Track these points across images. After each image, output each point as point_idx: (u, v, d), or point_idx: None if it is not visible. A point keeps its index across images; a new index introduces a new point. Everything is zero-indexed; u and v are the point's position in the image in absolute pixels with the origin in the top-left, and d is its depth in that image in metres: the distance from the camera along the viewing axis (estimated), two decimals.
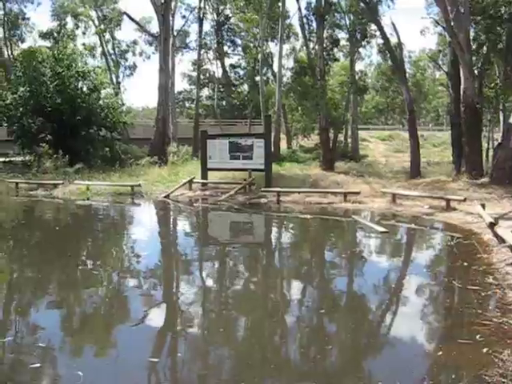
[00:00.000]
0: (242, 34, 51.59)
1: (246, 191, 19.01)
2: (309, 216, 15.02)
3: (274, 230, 14.76)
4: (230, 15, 50.19)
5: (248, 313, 6.98)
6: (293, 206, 16.86)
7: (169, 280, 8.89)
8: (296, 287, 8.33)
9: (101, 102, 29.63)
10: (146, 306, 7.09)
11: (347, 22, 34.82)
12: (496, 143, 23.69)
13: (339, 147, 36.53)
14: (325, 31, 32.81)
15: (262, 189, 18.92)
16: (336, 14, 35.25)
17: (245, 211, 16.72)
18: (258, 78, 42.69)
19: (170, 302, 7.63)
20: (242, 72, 57.21)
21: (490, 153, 31.00)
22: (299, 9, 32.01)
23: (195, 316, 6.76)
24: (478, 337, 5.59)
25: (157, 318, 6.76)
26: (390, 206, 16.00)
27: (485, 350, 5.22)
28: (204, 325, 6.47)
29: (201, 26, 42.11)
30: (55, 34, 46.38)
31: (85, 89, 29.26)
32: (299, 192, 18.15)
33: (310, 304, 7.49)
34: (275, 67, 43.95)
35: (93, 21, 51.21)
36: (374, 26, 31.49)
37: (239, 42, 53.97)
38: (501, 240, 9.64)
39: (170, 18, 35.66)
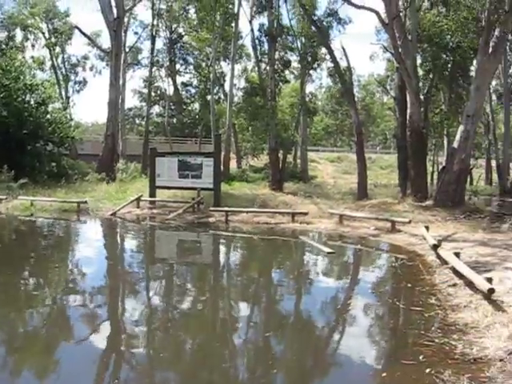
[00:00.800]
0: (195, 52, 51.64)
1: (194, 210, 18.89)
2: (257, 236, 15.03)
3: (222, 249, 14.68)
4: (183, 33, 50.20)
5: (194, 334, 6.88)
6: (241, 226, 16.85)
7: (114, 299, 8.69)
8: (243, 308, 8.26)
9: (48, 116, 29.12)
10: (89, 326, 6.89)
11: (299, 45, 35.24)
12: (440, 167, 24.30)
13: (288, 168, 36.79)
14: (276, 53, 33.16)
15: (211, 208, 18.85)
16: (288, 37, 35.70)
17: (193, 230, 16.59)
18: (209, 97, 42.67)
19: (115, 321, 7.43)
20: (193, 90, 57.08)
21: (435, 176, 31.89)
22: (252, 30, 32.24)
23: (140, 336, 6.60)
24: (421, 357, 5.65)
25: (100, 338, 6.57)
26: (337, 226, 16.18)
27: (427, 370, 5.28)
28: (149, 345, 6.34)
29: (153, 43, 41.98)
30: (3, 46, 45.29)
31: (32, 102, 28.69)
32: (247, 212, 18.16)
33: (256, 325, 7.43)
34: (227, 87, 44.17)
35: (43, 33, 50.28)
36: (324, 50, 32.01)
37: (191, 60, 53.95)
38: (443, 262, 9.86)
39: (122, 34, 35.50)
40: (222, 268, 11.95)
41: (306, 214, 17.44)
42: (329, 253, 11.94)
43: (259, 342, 6.61)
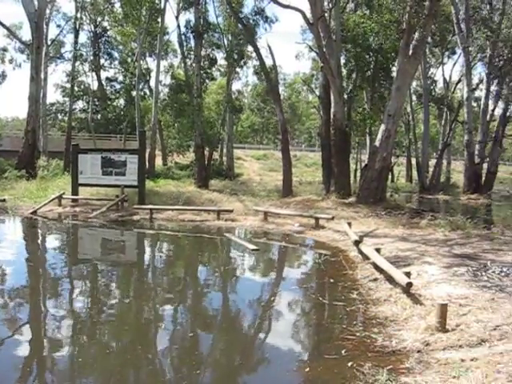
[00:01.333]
0: (120, 47, 50.60)
1: (118, 208, 18.52)
2: (182, 234, 14.91)
3: (147, 248, 14.43)
4: (108, 27, 49.06)
5: (118, 336, 6.73)
6: (166, 224, 16.66)
7: (34, 303, 8.35)
8: (168, 308, 8.13)
9: None
10: (6, 331, 6.60)
11: (225, 42, 35.23)
12: (363, 165, 24.97)
13: (214, 165, 36.80)
14: (203, 50, 33.06)
15: (135, 206, 18.55)
16: (215, 34, 35.60)
17: (117, 229, 16.24)
18: (134, 93, 41.96)
19: (35, 326, 7.13)
20: (118, 86, 55.89)
21: (358, 174, 32.68)
22: (178, 26, 31.96)
23: (62, 340, 6.38)
24: (343, 351, 5.77)
25: (21, 342, 6.31)
26: (262, 223, 16.29)
27: (349, 364, 5.39)
28: (71, 349, 6.14)
29: (76, 36, 40.68)
30: None
31: None
32: (172, 209, 17.99)
33: (182, 324, 7.38)
34: (152, 83, 43.58)
35: None
36: (251, 48, 32.14)
37: (116, 55, 52.82)
38: (365, 257, 10.12)
39: (44, 26, 34.18)
40: (146, 267, 11.76)
41: (231, 211, 17.46)
42: (253, 250, 12.01)
43: (184, 342, 6.54)
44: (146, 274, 10.97)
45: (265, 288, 9.47)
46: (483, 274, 8.44)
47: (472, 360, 5.13)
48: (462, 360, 5.17)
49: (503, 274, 8.44)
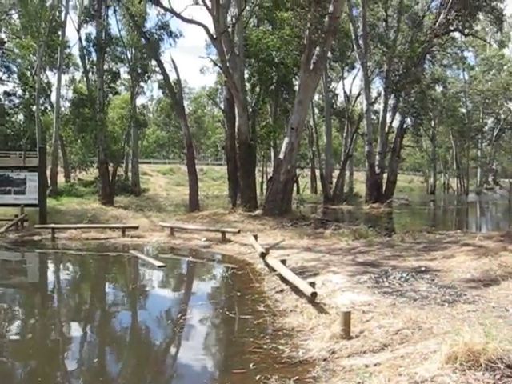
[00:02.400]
0: (18, 60, 48.56)
1: (18, 228, 17.70)
2: (86, 253, 14.44)
3: (49, 268, 13.85)
4: (6, 39, 46.97)
5: (24, 359, 6.38)
6: (69, 243, 16.07)
7: None
8: (75, 329, 7.81)
9: None
10: None
11: (129, 56, 34.78)
12: (269, 177, 25.33)
13: (119, 181, 36.06)
14: (105, 63, 32.41)
15: (36, 225, 17.78)
16: (118, 48, 35.01)
17: (17, 250, 15.45)
18: (34, 108, 40.38)
19: None
20: (17, 100, 53.56)
21: (265, 186, 33.08)
22: (80, 39, 31.11)
23: None
24: (251, 365, 5.74)
25: None
26: (169, 239, 16.11)
27: (257, 377, 5.37)
28: None
29: None
30: None
31: None
32: (76, 228, 17.40)
33: (91, 344, 7.17)
34: (53, 97, 42.11)
35: None
36: (155, 62, 31.89)
37: (15, 68, 50.62)
38: (271, 269, 10.20)
39: None
40: (49, 289, 11.28)
41: (136, 227, 17.14)
42: (160, 267, 11.81)
43: (92, 364, 6.28)
44: (49, 296, 10.50)
45: (173, 305, 9.32)
46: (385, 280, 8.73)
47: (375, 365, 5.25)
48: (366, 365, 5.28)
49: (403, 279, 8.78)
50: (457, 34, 42.07)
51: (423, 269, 9.77)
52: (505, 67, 65.68)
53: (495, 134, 69.28)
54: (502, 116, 69.21)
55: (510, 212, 20.05)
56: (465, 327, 5.01)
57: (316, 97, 49.73)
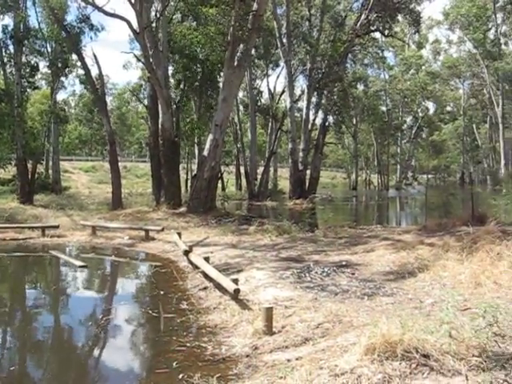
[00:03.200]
0: None
1: None
2: (3, 254, 13.86)
3: None
4: None
5: None
6: None
7: None
8: None
9: None
10: None
11: (49, 50, 33.67)
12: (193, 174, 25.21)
13: (39, 179, 34.82)
14: (24, 57, 31.20)
15: None
16: (37, 40, 33.78)
17: None
18: None
19: None
20: None
21: (189, 183, 32.89)
22: None
23: None
24: (174, 364, 5.68)
25: None
26: (91, 238, 15.74)
27: (180, 376, 5.32)
28: None
29: None
30: None
31: None
32: None
33: (10, 349, 6.88)
34: None
35: None
36: (76, 56, 31.01)
37: None
38: (195, 266, 10.16)
39: None
40: None
41: (56, 227, 16.62)
42: (81, 267, 11.51)
43: (12, 369, 6.01)
44: None
45: (95, 305, 9.09)
46: (307, 275, 8.87)
47: (297, 359, 5.32)
48: (288, 360, 5.34)
49: (325, 274, 8.95)
50: (377, 35, 43.30)
51: (344, 263, 10.00)
52: (423, 67, 68.38)
53: (414, 131, 72.04)
54: (420, 114, 72.14)
55: (426, 207, 20.78)
56: (383, 319, 5.17)
57: (241, 94, 50.00)
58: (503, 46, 55.87)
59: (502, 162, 44.15)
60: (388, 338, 4.73)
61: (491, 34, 53.44)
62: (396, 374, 4.40)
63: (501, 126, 49.96)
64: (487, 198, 9.95)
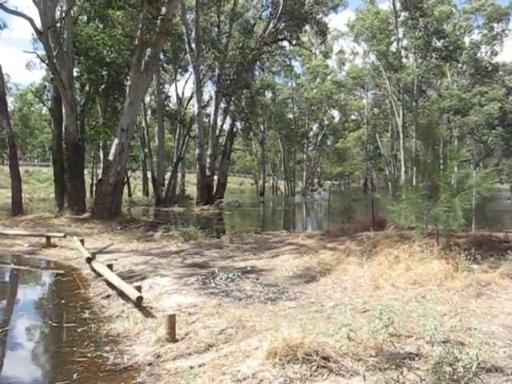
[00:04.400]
0: None
1: None
2: None
3: None
4: None
5: None
6: None
7: None
8: None
9: None
10: None
11: None
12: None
13: None
14: None
15: None
16: None
17: None
18: None
19: None
20: None
21: (95, 189, 32.08)
22: None
23: None
24: (75, 375, 5.55)
25: None
26: None
27: None
28: None
29: None
30: None
31: None
32: None
33: None
34: None
35: None
36: None
37: None
38: (98, 274, 9.92)
39: None
40: None
41: None
42: None
43: None
44: None
45: None
46: (211, 281, 8.90)
47: (200, 366, 5.33)
48: (191, 367, 5.35)
49: (229, 279, 9.02)
50: (285, 43, 44.24)
51: (249, 268, 10.13)
52: (328, 77, 70.39)
53: (319, 138, 74.05)
54: (326, 122, 74.23)
55: (329, 212, 21.45)
56: (284, 323, 5.28)
57: (148, 98, 49.42)
58: (404, 59, 58.51)
59: (403, 169, 46.11)
60: (289, 342, 4.84)
61: (393, 47, 55.78)
62: (297, 377, 4.52)
63: (401, 135, 52.14)
64: (387, 203, 10.41)
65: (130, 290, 7.61)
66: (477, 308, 6.91)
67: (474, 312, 6.72)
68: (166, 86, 49.79)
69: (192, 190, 46.53)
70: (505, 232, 11.98)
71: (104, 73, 28.53)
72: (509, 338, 5.63)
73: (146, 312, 7.25)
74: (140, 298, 7.30)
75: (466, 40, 60.19)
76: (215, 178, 37.05)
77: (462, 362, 4.51)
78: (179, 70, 48.14)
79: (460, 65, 59.02)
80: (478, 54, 60.91)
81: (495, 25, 60.82)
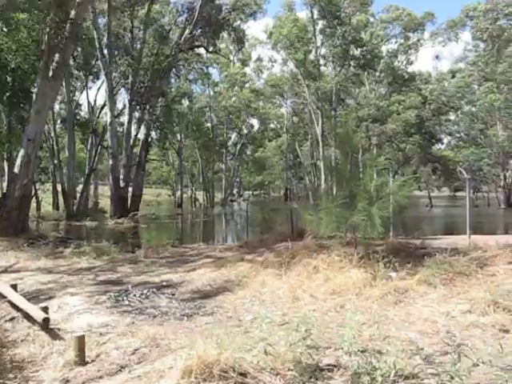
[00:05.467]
0: None
1: None
2: None
3: None
4: None
5: None
6: None
7: None
8: None
9: None
10: None
11: None
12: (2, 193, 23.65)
13: None
14: None
15: None
16: None
17: None
18: None
19: None
20: None
21: None
22: None
23: None
24: None
25: None
26: None
27: None
28: None
29: None
30: None
31: None
32: None
33: None
34: None
35: None
36: None
37: None
38: (1, 295, 9.50)
39: None
40: None
41: None
42: None
43: None
44: None
45: None
46: (125, 298, 8.74)
47: None
48: None
49: (144, 296, 8.89)
50: (202, 50, 44.33)
51: (165, 283, 10.03)
52: (247, 84, 71.12)
53: (238, 148, 74.54)
54: (245, 131, 74.86)
55: (248, 223, 21.64)
56: (200, 340, 5.25)
57: (58, 106, 48.10)
58: (323, 67, 60.04)
59: (323, 178, 47.20)
60: (204, 359, 4.81)
61: (312, 55, 57.08)
62: None
63: (321, 143, 53.45)
64: (306, 213, 10.66)
65: (35, 311, 7.33)
66: (395, 315, 7.12)
67: (392, 320, 6.93)
68: (77, 93, 48.70)
69: (106, 202, 45.58)
70: (421, 239, 12.49)
71: (9, 79, 27.51)
72: (425, 344, 5.86)
73: (54, 334, 6.99)
74: (47, 320, 7.04)
75: (384, 49, 62.72)
76: (130, 189, 36.51)
77: (380, 370, 4.65)
78: (91, 77, 47.18)
79: (378, 73, 61.31)
80: (395, 63, 63.51)
81: (411, 34, 63.70)
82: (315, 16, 52.51)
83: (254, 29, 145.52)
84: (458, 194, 70.30)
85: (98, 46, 35.43)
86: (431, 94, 56.59)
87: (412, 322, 6.86)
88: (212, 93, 69.98)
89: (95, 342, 6.47)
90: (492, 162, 52.35)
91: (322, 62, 58.79)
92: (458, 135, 63.68)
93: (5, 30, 27.44)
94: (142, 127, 38.14)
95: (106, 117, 38.88)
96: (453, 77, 62.58)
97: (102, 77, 40.59)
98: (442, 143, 66.35)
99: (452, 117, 62.27)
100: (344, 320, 6.38)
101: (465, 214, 12.85)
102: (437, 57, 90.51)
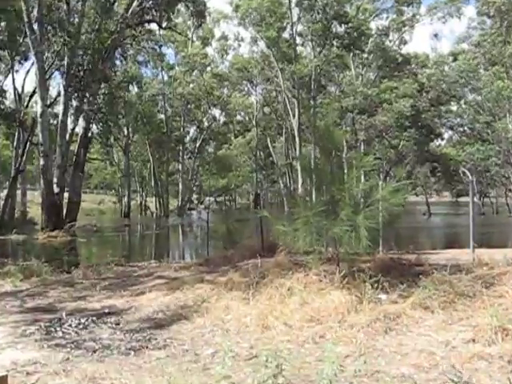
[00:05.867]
0: None
1: None
2: None
3: None
4: None
5: None
6: None
7: None
8: None
9: None
10: None
11: None
12: None
13: None
14: None
15: None
16: None
17: None
18: None
19: None
20: None
21: None
22: None
23: None
24: None
25: None
26: None
27: None
28: None
29: None
30: None
31: None
32: None
33: None
34: None
35: None
36: None
37: None
38: None
39: None
40: None
41: None
42: None
43: None
44: None
45: None
46: (58, 329, 8.66)
47: None
48: None
49: (81, 326, 8.82)
50: (154, 26, 44.12)
51: (107, 310, 9.97)
52: (208, 68, 70.70)
53: (198, 144, 73.87)
54: (206, 124, 74.30)
55: (208, 236, 21.56)
56: (149, 379, 5.25)
57: None
58: (300, 47, 60.02)
59: (299, 181, 47.29)
60: None
61: (287, 33, 57.05)
62: None
63: (297, 139, 53.52)
64: (278, 223, 10.66)
65: None
66: (385, 346, 7.16)
67: (381, 351, 6.97)
68: (1, 77, 48.25)
69: (36, 211, 45.11)
70: (417, 253, 12.59)
71: None
72: (421, 380, 5.91)
73: None
74: None
75: (373, 25, 62.81)
76: (66, 195, 36.19)
77: None
78: (17, 58, 46.76)
79: (365, 55, 61.27)
80: (386, 43, 63.57)
81: (405, 8, 63.79)
82: None
83: (218, 0, 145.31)
84: (461, 199, 71.19)
85: (26, 19, 34.94)
86: (429, 80, 57.02)
87: (405, 353, 6.90)
88: (166, 78, 69.83)
89: (21, 382, 6.41)
90: (501, 161, 52.64)
91: (298, 41, 59.02)
92: (461, 129, 64.32)
93: None
94: (81, 119, 37.82)
95: (36, 106, 38.50)
96: (454, 60, 62.48)
97: (32, 57, 40.14)
98: (442, 139, 67.31)
99: (454, 107, 62.90)
100: (324, 352, 6.39)
101: (468, 224, 12.98)
102: (435, 36, 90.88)
